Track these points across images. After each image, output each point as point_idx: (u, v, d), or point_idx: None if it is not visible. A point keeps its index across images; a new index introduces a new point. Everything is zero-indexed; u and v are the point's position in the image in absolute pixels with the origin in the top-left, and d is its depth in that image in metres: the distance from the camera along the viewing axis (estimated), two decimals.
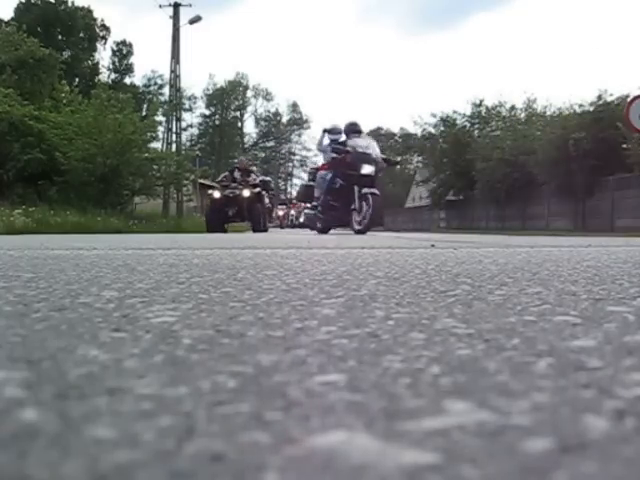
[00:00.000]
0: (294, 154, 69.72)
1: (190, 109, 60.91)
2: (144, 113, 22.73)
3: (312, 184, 11.70)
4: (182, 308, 1.11)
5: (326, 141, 11.82)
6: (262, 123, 68.42)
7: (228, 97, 65.68)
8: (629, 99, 13.21)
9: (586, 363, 0.69)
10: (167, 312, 1.06)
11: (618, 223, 18.35)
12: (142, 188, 17.40)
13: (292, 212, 29.41)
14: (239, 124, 67.68)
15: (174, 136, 22.81)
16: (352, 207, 10.02)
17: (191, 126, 61.81)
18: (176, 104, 23.78)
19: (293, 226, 26.90)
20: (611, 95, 20.22)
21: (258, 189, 14.53)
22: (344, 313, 1.06)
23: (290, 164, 70.36)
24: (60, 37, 36.50)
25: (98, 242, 4.84)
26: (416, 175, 38.65)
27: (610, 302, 1.21)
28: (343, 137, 11.04)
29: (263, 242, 5.21)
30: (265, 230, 14.45)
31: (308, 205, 20.66)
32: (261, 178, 15.97)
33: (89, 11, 38.50)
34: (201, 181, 22.93)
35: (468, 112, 29.46)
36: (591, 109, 20.20)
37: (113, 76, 42.83)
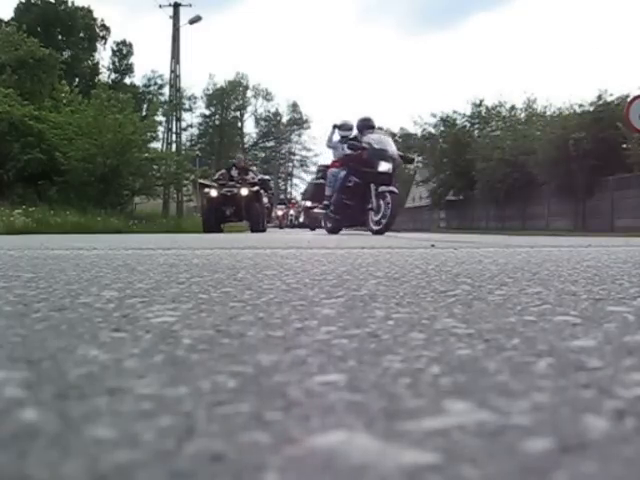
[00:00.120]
0: (294, 154, 69.76)
1: (190, 109, 60.91)
2: (144, 113, 22.72)
3: (322, 182, 11.14)
4: (182, 308, 1.11)
5: (336, 137, 11.40)
6: (262, 123, 68.44)
7: (228, 97, 65.68)
8: (629, 99, 13.20)
9: (586, 363, 0.69)
10: (167, 312, 1.06)
11: (618, 223, 18.35)
12: (142, 188, 17.39)
13: (291, 212, 29.37)
14: (239, 124, 67.68)
15: (174, 136, 22.81)
16: (369, 206, 9.42)
17: (191, 126, 61.84)
18: (176, 104, 23.78)
19: (292, 226, 26.86)
20: (611, 95, 20.26)
21: (257, 188, 14.16)
22: (344, 313, 1.06)
23: (290, 164, 70.39)
24: (60, 37, 36.49)
25: (98, 242, 4.84)
26: (416, 175, 38.65)
27: (610, 302, 1.21)
28: (353, 133, 10.55)
29: (263, 242, 5.21)
30: (263, 230, 14.11)
31: (308, 204, 20.18)
32: (260, 177, 15.69)
33: (89, 11, 38.50)
34: (201, 181, 22.89)
35: (468, 112, 29.52)
36: (591, 109, 20.21)
37: (113, 76, 42.82)
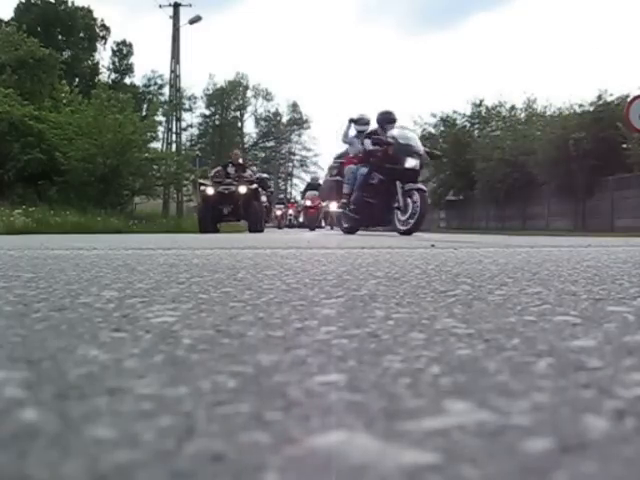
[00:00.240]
0: (294, 154, 69.71)
1: (190, 109, 60.84)
2: (144, 113, 22.71)
3: (339, 179, 10.27)
4: (182, 308, 1.11)
5: (352, 132, 10.69)
6: (262, 123, 68.40)
7: (228, 97, 65.65)
8: (629, 99, 13.20)
9: (586, 363, 0.69)
10: (167, 312, 1.06)
11: (618, 223, 18.35)
12: (142, 188, 17.38)
13: (290, 212, 29.31)
14: (239, 124, 67.64)
15: (174, 136, 22.83)
16: (395, 205, 8.63)
17: (191, 126, 61.75)
18: (176, 104, 23.80)
19: (291, 226, 26.79)
20: (611, 95, 20.23)
21: (255, 185, 13.38)
22: (344, 313, 1.06)
23: (290, 164, 70.36)
24: (60, 37, 36.47)
25: (98, 242, 4.84)
26: None
27: (610, 302, 1.21)
28: (370, 128, 9.85)
29: (262, 242, 5.21)
30: (261, 230, 13.46)
31: (308, 204, 19.84)
32: (258, 175, 15.21)
33: (89, 11, 38.48)
34: (201, 181, 22.89)
35: (468, 112, 29.47)
36: (591, 109, 20.19)
37: (113, 76, 42.78)
